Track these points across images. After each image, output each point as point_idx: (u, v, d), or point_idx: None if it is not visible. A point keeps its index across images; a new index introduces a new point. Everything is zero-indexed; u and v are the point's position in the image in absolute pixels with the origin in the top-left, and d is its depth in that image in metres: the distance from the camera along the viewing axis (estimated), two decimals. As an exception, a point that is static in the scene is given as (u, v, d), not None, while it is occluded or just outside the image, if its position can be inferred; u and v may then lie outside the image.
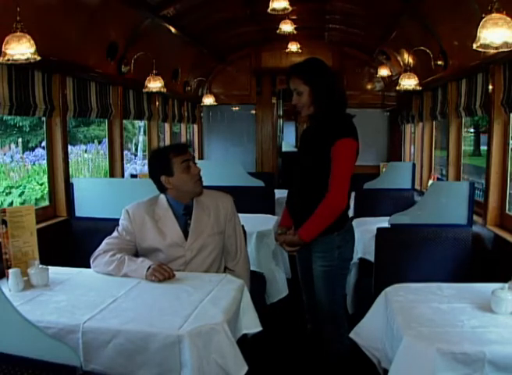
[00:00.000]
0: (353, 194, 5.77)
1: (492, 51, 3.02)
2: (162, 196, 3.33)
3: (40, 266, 2.92)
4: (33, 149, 11.88)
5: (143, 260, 3.04)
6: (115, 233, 3.29)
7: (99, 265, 3.14)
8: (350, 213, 6.19)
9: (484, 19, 2.85)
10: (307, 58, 3.36)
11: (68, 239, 4.22)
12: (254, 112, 9.81)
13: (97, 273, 3.12)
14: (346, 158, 3.14)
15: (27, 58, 3.18)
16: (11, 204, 9.16)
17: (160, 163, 3.26)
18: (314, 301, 3.39)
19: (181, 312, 2.45)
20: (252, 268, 4.15)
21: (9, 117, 12.20)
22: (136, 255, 3.25)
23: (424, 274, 3.71)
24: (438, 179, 6.60)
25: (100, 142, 11.11)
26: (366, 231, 4.54)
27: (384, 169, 7.44)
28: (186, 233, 3.25)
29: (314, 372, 3.68)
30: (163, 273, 2.91)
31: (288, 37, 7.29)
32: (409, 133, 8.53)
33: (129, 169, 9.35)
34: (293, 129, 16.85)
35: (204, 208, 3.31)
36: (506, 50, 2.95)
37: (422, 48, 5.59)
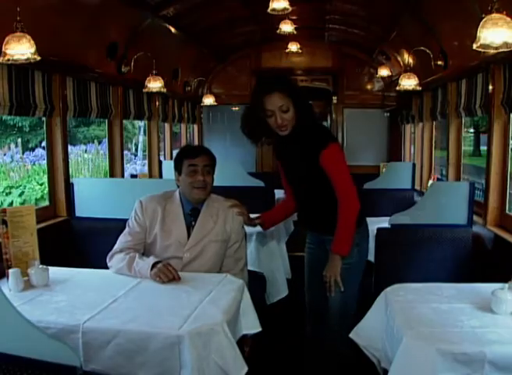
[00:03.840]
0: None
1: (492, 51, 3.02)
2: (177, 192, 3.36)
3: (41, 266, 2.92)
4: (33, 149, 11.88)
5: (149, 259, 3.05)
6: (126, 229, 3.33)
7: (113, 264, 3.18)
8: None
9: (484, 20, 2.85)
10: (274, 77, 3.33)
11: (68, 239, 4.22)
12: (254, 112, 9.79)
13: (114, 273, 3.15)
14: (339, 163, 3.13)
15: (27, 58, 3.18)
16: (11, 204, 9.16)
17: (176, 160, 3.35)
18: (318, 302, 3.37)
19: (181, 312, 2.45)
20: (252, 268, 4.16)
21: (9, 117, 12.20)
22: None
23: (424, 274, 3.71)
24: (438, 179, 6.60)
25: (100, 142, 11.11)
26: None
27: (384, 170, 7.43)
28: (189, 234, 3.26)
29: (314, 372, 3.67)
30: (167, 275, 2.91)
31: (288, 37, 7.29)
32: (409, 133, 8.53)
33: (129, 169, 9.37)
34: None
35: (213, 213, 3.31)
36: (506, 50, 2.95)
37: (422, 48, 5.59)
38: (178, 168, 3.30)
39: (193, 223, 3.28)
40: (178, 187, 3.36)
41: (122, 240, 3.27)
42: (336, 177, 3.11)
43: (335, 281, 3.16)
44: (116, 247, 3.24)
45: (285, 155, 3.38)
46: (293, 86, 3.21)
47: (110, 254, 3.22)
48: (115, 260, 3.17)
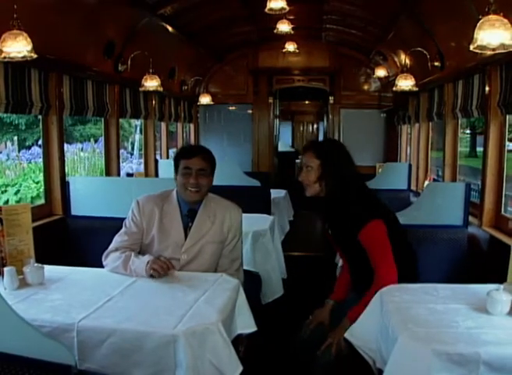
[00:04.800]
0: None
1: (489, 52, 3.02)
2: (174, 192, 3.34)
3: (36, 264, 2.91)
4: (29, 147, 11.85)
5: (145, 257, 3.05)
6: (123, 229, 3.31)
7: (109, 263, 3.16)
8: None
9: (481, 21, 2.85)
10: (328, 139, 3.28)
11: (63, 237, 4.21)
12: (250, 111, 9.82)
13: (110, 271, 3.13)
14: (378, 243, 2.98)
15: (24, 56, 3.17)
16: (6, 202, 9.13)
17: (174, 158, 3.34)
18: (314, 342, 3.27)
19: (176, 311, 2.45)
20: (247, 268, 4.15)
21: (5, 115, 12.17)
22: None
23: (419, 275, 3.71)
24: (434, 180, 6.61)
25: (96, 141, 11.08)
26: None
27: (380, 170, 7.44)
28: (187, 236, 3.26)
29: (309, 372, 3.67)
30: (161, 266, 2.90)
31: (285, 37, 7.29)
32: (405, 133, 8.54)
33: (125, 167, 9.34)
34: (290, 129, 16.89)
35: (210, 214, 3.30)
36: (502, 51, 2.95)
37: (419, 48, 5.59)
38: (175, 167, 3.28)
39: (190, 224, 3.27)
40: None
41: (118, 239, 3.26)
42: (375, 258, 2.99)
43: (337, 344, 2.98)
44: (112, 246, 3.23)
45: (330, 221, 3.30)
46: (327, 149, 3.18)
47: (106, 253, 3.21)
48: (111, 259, 3.15)
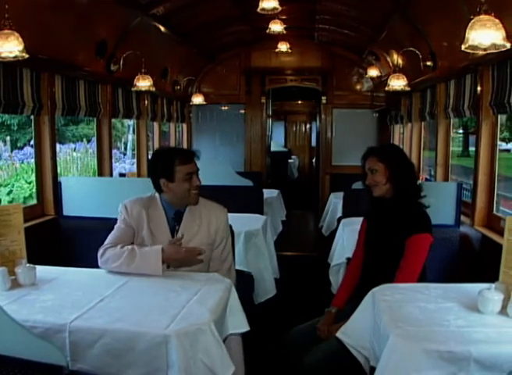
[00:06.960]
0: (341, 195, 5.78)
1: (481, 52, 3.04)
2: (157, 196, 3.30)
3: (28, 264, 2.91)
4: (21, 148, 11.81)
5: (155, 246, 3.04)
6: (115, 227, 3.28)
7: (108, 259, 3.08)
8: (339, 213, 6.21)
9: (472, 21, 2.86)
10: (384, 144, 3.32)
11: (56, 238, 4.20)
12: (243, 111, 9.81)
13: (107, 269, 3.09)
14: (420, 253, 3.15)
15: (15, 56, 3.16)
16: (-1, 202, 9.11)
17: (163, 166, 3.18)
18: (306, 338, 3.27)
19: (168, 311, 2.45)
20: (240, 267, 4.16)
21: (-2, 115, 12.14)
22: None
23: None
24: (426, 179, 6.62)
25: (89, 141, 11.06)
26: (354, 231, 4.51)
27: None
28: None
29: (303, 372, 3.67)
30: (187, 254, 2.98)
31: (278, 37, 7.30)
32: (398, 133, 8.55)
33: (118, 168, 9.33)
34: (282, 129, 16.89)
35: (196, 217, 3.28)
36: (494, 51, 2.97)
37: (411, 48, 5.61)
38: (169, 175, 3.15)
39: (177, 227, 3.26)
40: (159, 191, 3.27)
41: (113, 236, 3.21)
42: (406, 261, 3.13)
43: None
44: (108, 241, 3.18)
45: (376, 220, 3.44)
46: (389, 153, 3.34)
47: (102, 249, 3.14)
48: (111, 255, 3.08)
